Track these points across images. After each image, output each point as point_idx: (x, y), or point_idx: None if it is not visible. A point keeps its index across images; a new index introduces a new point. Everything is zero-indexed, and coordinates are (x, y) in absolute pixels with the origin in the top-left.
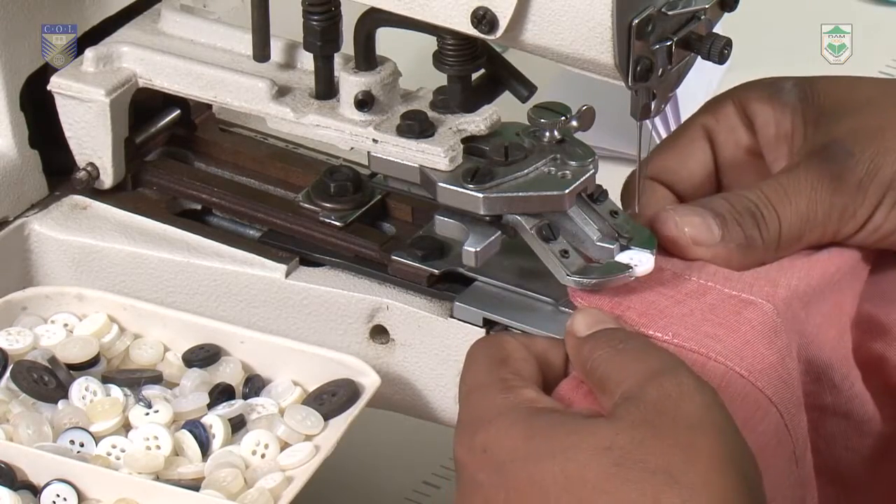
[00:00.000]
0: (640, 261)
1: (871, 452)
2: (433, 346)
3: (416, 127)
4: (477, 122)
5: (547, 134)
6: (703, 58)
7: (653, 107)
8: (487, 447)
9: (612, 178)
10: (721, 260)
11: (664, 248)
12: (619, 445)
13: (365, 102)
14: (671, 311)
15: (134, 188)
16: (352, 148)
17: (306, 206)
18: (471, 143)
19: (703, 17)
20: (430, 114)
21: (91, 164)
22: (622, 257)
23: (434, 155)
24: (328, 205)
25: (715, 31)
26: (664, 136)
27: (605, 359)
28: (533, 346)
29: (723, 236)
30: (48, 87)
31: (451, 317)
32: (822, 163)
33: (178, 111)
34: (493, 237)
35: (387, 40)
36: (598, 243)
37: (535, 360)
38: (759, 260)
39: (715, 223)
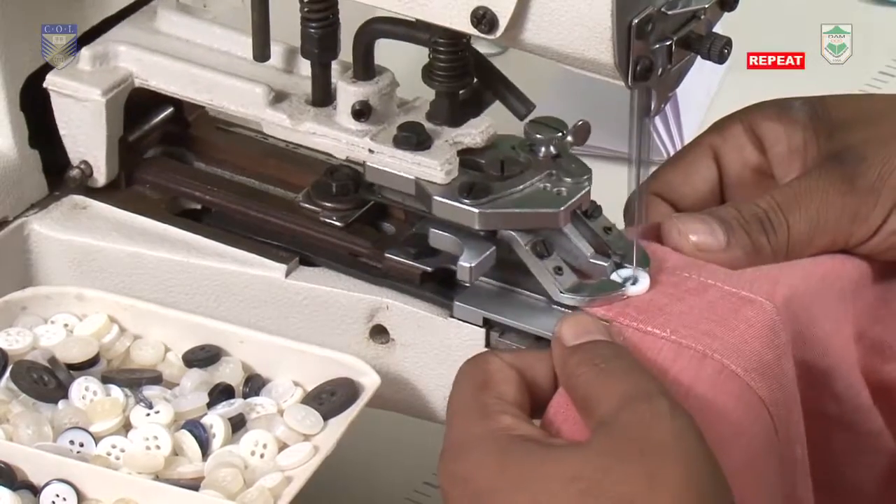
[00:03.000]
0: (636, 279)
1: (879, 470)
2: (433, 346)
3: (413, 139)
4: (473, 134)
5: (543, 149)
6: (703, 57)
7: (653, 107)
8: (467, 477)
9: (611, 178)
10: (728, 266)
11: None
12: (586, 475)
13: (362, 112)
14: (670, 308)
15: (127, 186)
16: (347, 157)
17: (306, 206)
18: (466, 156)
19: (702, 16)
20: (427, 125)
21: (84, 161)
22: (618, 276)
23: (430, 168)
24: (328, 204)
25: (715, 30)
26: (664, 136)
27: (587, 378)
28: (518, 364)
29: (728, 242)
30: (44, 85)
31: (451, 316)
32: (833, 167)
33: (171, 109)
34: (487, 252)
35: (385, 48)
36: (592, 260)
37: (520, 379)
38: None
39: (720, 230)
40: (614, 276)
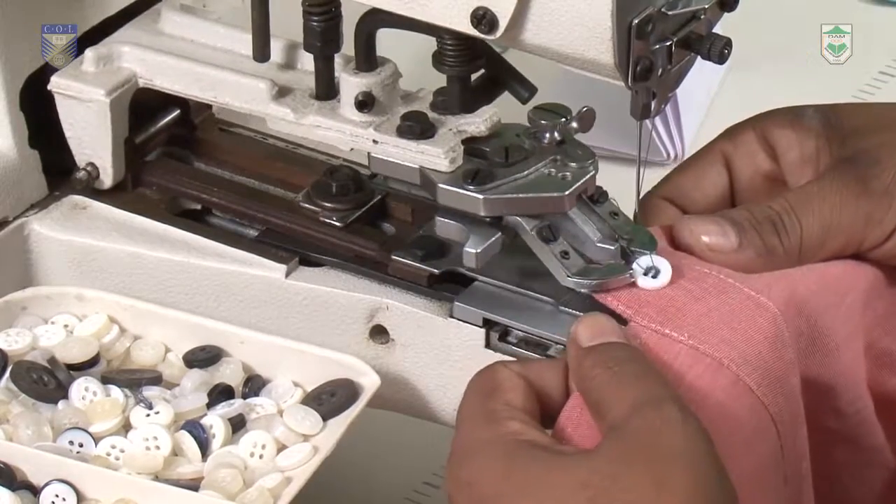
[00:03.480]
0: (657, 272)
1: (880, 485)
2: (433, 346)
3: (417, 128)
4: (477, 123)
5: (547, 135)
6: (703, 58)
7: (653, 107)
8: (472, 482)
9: (611, 178)
10: (741, 268)
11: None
12: (594, 483)
13: (365, 103)
14: (689, 309)
15: (134, 188)
16: (352, 149)
17: (306, 206)
18: (471, 145)
19: (702, 16)
20: (431, 115)
21: (91, 163)
22: (639, 265)
23: (434, 156)
24: (328, 205)
25: (715, 31)
26: (664, 136)
27: (600, 381)
28: (527, 373)
29: (740, 244)
30: (48, 87)
31: (451, 317)
32: (846, 169)
33: (178, 111)
34: (493, 238)
35: (387, 41)
36: (599, 244)
37: (529, 387)
38: (780, 268)
39: (732, 231)
40: (635, 266)
